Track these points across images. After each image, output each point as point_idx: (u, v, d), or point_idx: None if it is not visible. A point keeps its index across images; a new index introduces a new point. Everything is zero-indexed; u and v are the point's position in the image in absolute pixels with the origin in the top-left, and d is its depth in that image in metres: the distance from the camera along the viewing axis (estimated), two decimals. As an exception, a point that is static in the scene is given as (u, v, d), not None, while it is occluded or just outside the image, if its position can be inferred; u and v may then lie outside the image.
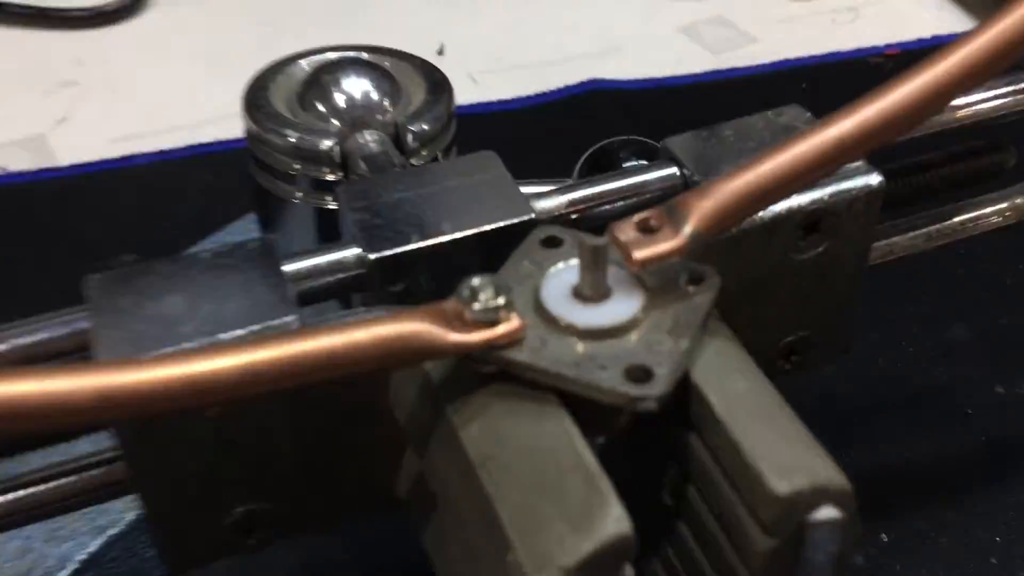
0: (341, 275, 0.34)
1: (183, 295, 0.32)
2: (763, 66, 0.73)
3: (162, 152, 0.66)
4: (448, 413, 0.29)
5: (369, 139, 0.43)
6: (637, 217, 0.29)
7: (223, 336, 0.31)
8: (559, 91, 0.69)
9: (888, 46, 0.75)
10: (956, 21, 0.79)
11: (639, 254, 0.28)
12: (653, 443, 0.31)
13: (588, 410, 0.28)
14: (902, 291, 0.60)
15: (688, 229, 0.28)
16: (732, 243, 0.35)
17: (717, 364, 0.29)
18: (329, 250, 0.34)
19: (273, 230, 0.47)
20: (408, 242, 0.34)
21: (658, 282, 0.30)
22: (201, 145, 0.65)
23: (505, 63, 0.74)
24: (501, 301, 0.27)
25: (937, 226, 0.43)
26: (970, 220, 0.43)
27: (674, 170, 0.37)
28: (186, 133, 0.66)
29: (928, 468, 0.53)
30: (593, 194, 0.37)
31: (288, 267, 0.34)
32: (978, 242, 0.46)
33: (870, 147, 0.29)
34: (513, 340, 0.28)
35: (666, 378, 0.27)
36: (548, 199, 0.36)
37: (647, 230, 0.29)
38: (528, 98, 0.69)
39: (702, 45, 0.76)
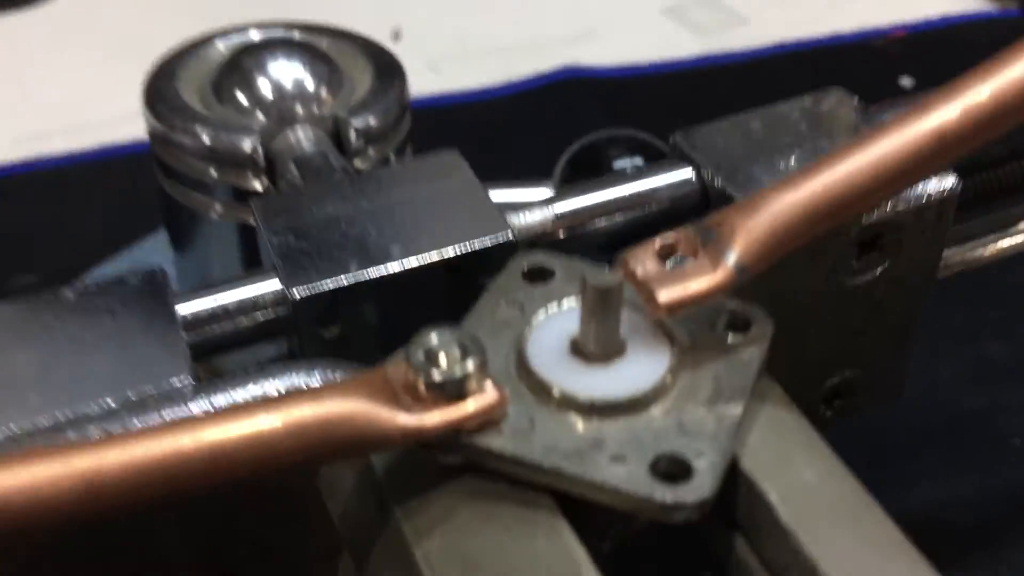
0: (256, 317, 0.26)
1: (36, 351, 0.24)
2: (759, 50, 0.65)
3: (71, 155, 0.57)
4: (397, 520, 0.20)
5: (302, 137, 0.35)
6: (659, 242, 0.21)
7: (84, 408, 0.22)
8: (531, 80, 0.62)
9: (894, 28, 0.68)
10: (969, 1, 0.72)
11: (666, 295, 0.20)
12: (680, 547, 0.23)
13: (594, 515, 0.20)
14: (930, 300, 0.52)
15: (732, 258, 0.20)
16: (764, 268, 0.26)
17: (774, 445, 0.21)
18: (239, 285, 0.26)
19: (186, 253, 0.38)
20: (344, 272, 0.26)
21: (689, 331, 0.21)
22: (116, 146, 0.56)
23: (469, 49, 0.66)
24: (470, 366, 0.19)
25: (1002, 233, 0.35)
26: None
27: (689, 172, 0.29)
28: (99, 131, 0.57)
29: (972, 510, 0.45)
30: (587, 206, 0.29)
31: (183, 309, 0.25)
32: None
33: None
34: (488, 421, 0.20)
35: (710, 474, 0.19)
36: (529, 212, 0.28)
37: (673, 260, 0.21)
38: (495, 88, 0.61)
39: (688, 27, 0.68)
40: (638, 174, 0.29)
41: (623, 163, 0.39)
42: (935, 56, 0.66)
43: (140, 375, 0.23)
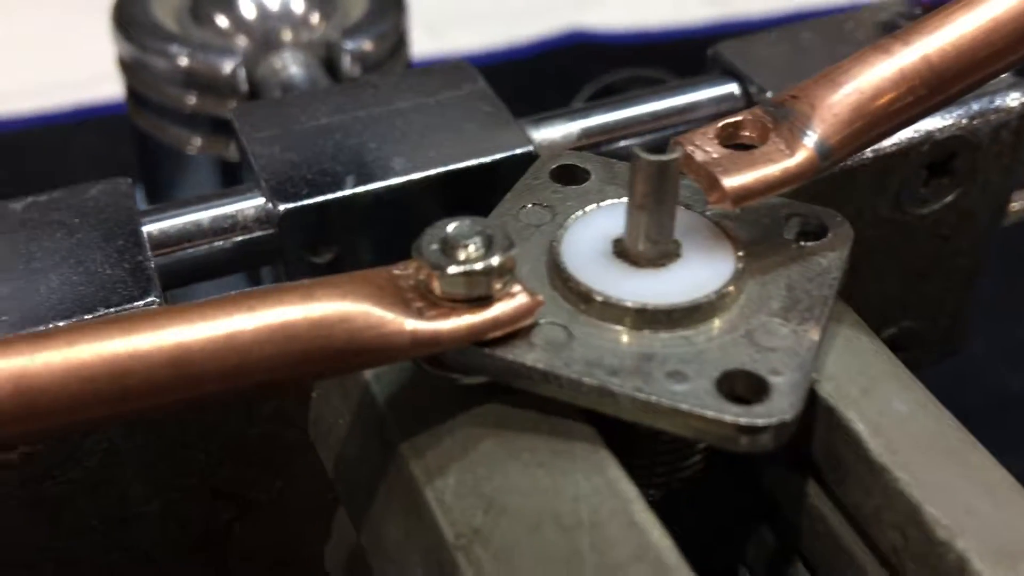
0: (236, 238, 0.22)
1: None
2: (776, 17, 0.62)
3: (42, 115, 0.53)
4: (403, 456, 0.17)
5: (290, 62, 0.31)
6: (722, 122, 0.17)
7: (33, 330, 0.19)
8: (534, 45, 0.58)
9: (916, -2, 0.64)
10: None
11: (734, 181, 0.16)
12: (729, 496, 0.19)
13: (640, 451, 0.17)
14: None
15: (814, 137, 0.17)
16: (824, 188, 0.23)
17: (857, 370, 0.17)
18: (217, 201, 0.22)
19: (162, 199, 0.35)
20: (338, 187, 0.22)
21: (754, 234, 0.18)
22: (92, 108, 0.52)
23: (470, 11, 0.62)
24: (496, 260, 0.15)
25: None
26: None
27: (733, 87, 0.25)
28: (74, 90, 0.53)
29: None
30: (615, 121, 0.25)
31: (151, 226, 0.22)
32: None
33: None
34: (518, 328, 0.16)
35: (792, 392, 0.15)
36: (550, 125, 0.25)
37: (740, 144, 0.17)
38: (497, 52, 0.58)
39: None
40: (674, 88, 0.26)
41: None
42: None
43: (99, 299, 0.20)
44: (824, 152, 0.17)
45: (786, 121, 0.17)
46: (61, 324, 0.19)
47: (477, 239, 0.16)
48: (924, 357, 0.28)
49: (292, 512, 0.22)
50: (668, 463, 0.18)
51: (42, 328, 0.19)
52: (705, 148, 0.17)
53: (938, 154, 0.24)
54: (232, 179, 0.32)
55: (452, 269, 0.15)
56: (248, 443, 0.20)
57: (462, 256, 0.16)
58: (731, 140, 0.17)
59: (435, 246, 0.16)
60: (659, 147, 0.25)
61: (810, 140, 0.17)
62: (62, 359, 0.14)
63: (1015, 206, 0.30)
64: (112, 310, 0.20)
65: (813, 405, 0.17)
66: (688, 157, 0.17)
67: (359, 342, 0.15)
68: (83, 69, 0.55)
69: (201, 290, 0.24)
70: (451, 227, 0.16)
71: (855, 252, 0.25)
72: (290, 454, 0.21)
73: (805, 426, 0.17)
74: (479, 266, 0.15)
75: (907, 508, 0.16)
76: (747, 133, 0.17)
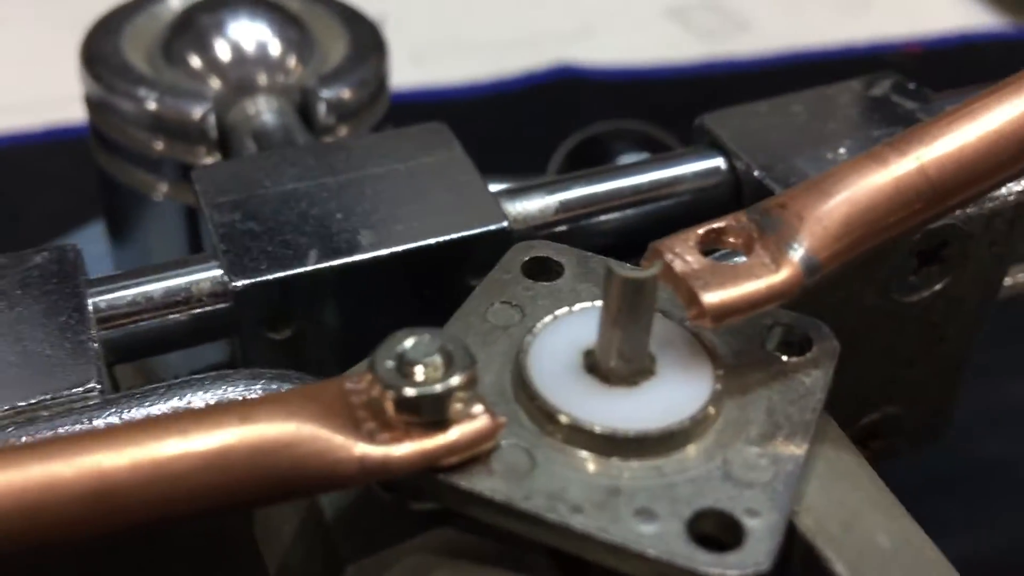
0: (190, 311, 0.21)
1: (-98, 343, 0.19)
2: (766, 58, 0.61)
3: (13, 135, 0.52)
4: (351, 582, 0.15)
5: (263, 108, 0.30)
6: (703, 229, 0.16)
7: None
8: (522, 77, 0.57)
9: (909, 43, 0.64)
10: (981, 14, 0.68)
11: (714, 297, 0.15)
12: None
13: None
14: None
15: (800, 252, 0.15)
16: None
17: (838, 499, 0.16)
18: (170, 272, 0.21)
19: (126, 244, 0.33)
20: (300, 262, 0.21)
21: (734, 345, 0.17)
22: (63, 128, 0.51)
23: (457, 41, 0.61)
24: (455, 381, 0.14)
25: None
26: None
27: (718, 161, 0.24)
28: (45, 111, 0.52)
29: (999, 566, 0.41)
30: (595, 194, 0.24)
31: (98, 298, 0.20)
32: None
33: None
34: (475, 455, 0.15)
35: (768, 539, 0.14)
36: (527, 198, 0.23)
37: (722, 253, 0.16)
38: (483, 85, 0.56)
39: (691, 30, 0.64)
40: (657, 161, 0.25)
41: (630, 159, 0.34)
42: (952, 75, 0.62)
43: (35, 381, 0.18)
44: (811, 268, 0.16)
45: (772, 232, 0.16)
46: (-7, 411, 0.18)
47: (436, 357, 0.15)
48: (904, 445, 0.27)
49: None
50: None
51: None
52: (685, 257, 0.16)
53: (929, 242, 0.23)
54: (199, 227, 0.31)
55: (408, 391, 0.14)
56: (184, 537, 0.19)
57: (419, 376, 0.14)
58: (713, 246, 0.16)
59: (390, 363, 0.14)
60: (639, 228, 0.24)
61: (796, 254, 0.16)
62: (-30, 492, 0.12)
63: (1008, 280, 0.29)
64: (47, 396, 0.18)
65: (791, 538, 0.16)
66: (666, 267, 0.16)
67: (303, 469, 0.14)
68: (54, 90, 0.54)
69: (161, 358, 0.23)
70: (408, 342, 0.15)
71: (841, 340, 0.24)
72: (232, 548, 0.19)
73: (783, 559, 0.16)
74: (437, 388, 0.14)
75: (888, 663, 0.14)
76: (731, 240, 0.16)
